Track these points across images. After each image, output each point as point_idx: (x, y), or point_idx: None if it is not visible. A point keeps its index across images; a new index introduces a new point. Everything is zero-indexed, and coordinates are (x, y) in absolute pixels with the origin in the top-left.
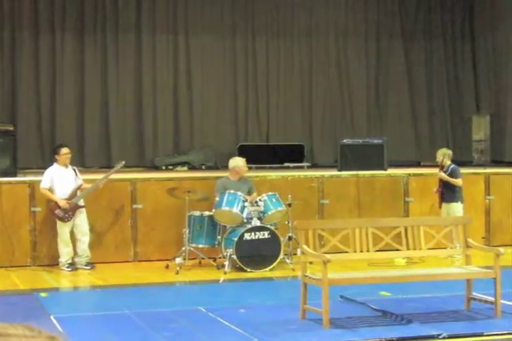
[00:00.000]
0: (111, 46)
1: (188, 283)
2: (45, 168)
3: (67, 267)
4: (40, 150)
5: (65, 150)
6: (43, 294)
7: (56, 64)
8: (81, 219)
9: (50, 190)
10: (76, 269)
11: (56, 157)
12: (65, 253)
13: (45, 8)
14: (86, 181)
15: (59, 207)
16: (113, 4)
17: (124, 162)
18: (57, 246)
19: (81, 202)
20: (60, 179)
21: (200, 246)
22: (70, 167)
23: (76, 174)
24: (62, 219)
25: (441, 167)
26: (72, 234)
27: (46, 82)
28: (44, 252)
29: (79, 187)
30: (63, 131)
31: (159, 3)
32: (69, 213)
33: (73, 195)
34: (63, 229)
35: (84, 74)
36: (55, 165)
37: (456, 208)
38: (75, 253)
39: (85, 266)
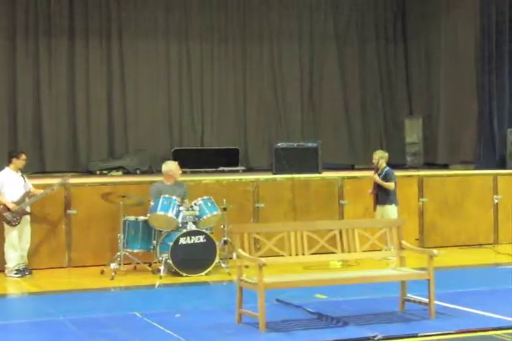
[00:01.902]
0: (43, 50)
1: (124, 288)
2: None
3: (16, 273)
4: None
5: (24, 156)
6: None
7: None
8: (27, 226)
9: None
10: (24, 275)
11: (14, 160)
12: (13, 258)
13: None
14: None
15: (8, 210)
16: (45, 7)
17: (71, 174)
18: (4, 252)
19: (28, 209)
20: (11, 183)
21: (136, 251)
22: (19, 173)
23: (25, 180)
24: (9, 223)
25: (377, 169)
26: None
27: None
28: None
29: (28, 193)
30: None
31: (92, 7)
32: (17, 217)
33: (22, 200)
34: (12, 234)
35: (16, 77)
36: (7, 169)
37: (390, 210)
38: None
39: (22, 271)
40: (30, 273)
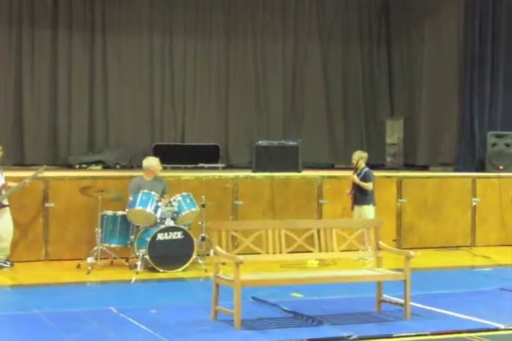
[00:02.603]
0: (26, 42)
1: (100, 283)
2: None
3: None
4: None
5: (0, 147)
6: None
7: None
8: (5, 218)
9: None
10: (1, 267)
11: None
12: None
13: None
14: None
15: None
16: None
17: (45, 166)
18: None
19: (5, 201)
20: None
21: (113, 245)
22: None
23: (1, 173)
24: None
25: (356, 169)
26: None
27: None
28: None
29: (4, 186)
30: None
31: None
32: None
33: None
34: None
35: None
36: None
37: (368, 211)
38: None
39: (3, 263)
40: (11, 264)
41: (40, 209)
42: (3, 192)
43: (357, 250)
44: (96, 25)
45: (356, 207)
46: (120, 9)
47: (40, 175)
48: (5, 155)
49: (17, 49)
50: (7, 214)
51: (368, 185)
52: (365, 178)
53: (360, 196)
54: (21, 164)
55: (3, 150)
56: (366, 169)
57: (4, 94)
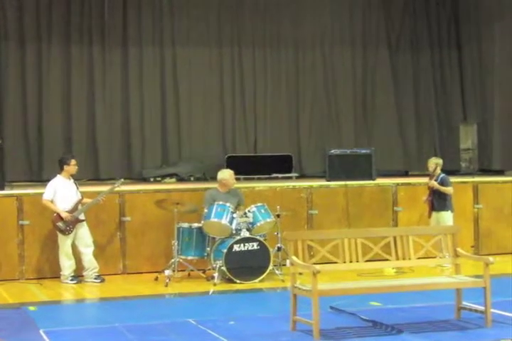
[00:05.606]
0: (97, 59)
1: (178, 295)
2: (32, 180)
3: (71, 280)
4: (27, 163)
5: (74, 161)
6: (31, 308)
7: (42, 76)
8: (83, 232)
9: (52, 201)
10: (80, 281)
11: (65, 167)
12: (67, 266)
13: (30, 18)
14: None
15: (61, 219)
16: (99, 16)
17: (123, 179)
18: (59, 260)
19: (81, 216)
20: (63, 191)
21: (190, 257)
22: (72, 180)
23: (77, 187)
24: (63, 232)
25: (432, 176)
26: (74, 247)
27: (32, 94)
28: (32, 266)
29: (80, 201)
30: (50, 143)
31: (145, 15)
32: (70, 226)
33: (75, 209)
34: (65, 242)
35: (71, 86)
36: (58, 177)
37: (446, 217)
38: (82, 267)
39: (95, 279)
40: (102, 280)
41: (117, 223)
42: (80, 207)
43: (434, 257)
44: (165, 40)
45: (434, 214)
46: (188, 22)
47: (117, 188)
48: (80, 170)
49: (89, 67)
50: (84, 228)
51: (449, 190)
52: (443, 184)
53: (439, 202)
54: (96, 179)
55: (78, 165)
56: (443, 175)
57: (77, 110)
